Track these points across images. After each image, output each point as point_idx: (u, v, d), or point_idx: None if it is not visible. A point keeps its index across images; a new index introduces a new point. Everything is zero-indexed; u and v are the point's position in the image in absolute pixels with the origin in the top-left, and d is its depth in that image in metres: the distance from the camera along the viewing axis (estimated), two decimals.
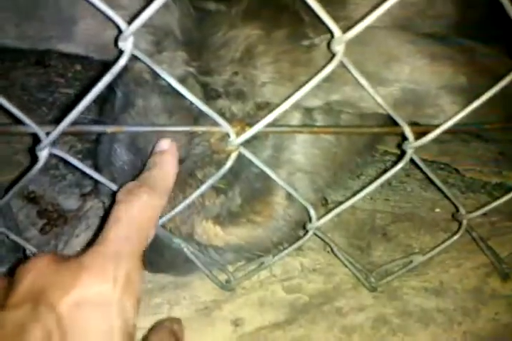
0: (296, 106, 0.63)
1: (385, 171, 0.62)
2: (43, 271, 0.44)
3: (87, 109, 0.48)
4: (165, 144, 0.57)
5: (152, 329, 0.64)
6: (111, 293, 0.42)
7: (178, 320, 0.67)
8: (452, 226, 0.88)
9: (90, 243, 0.49)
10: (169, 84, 0.50)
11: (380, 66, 0.60)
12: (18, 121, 0.49)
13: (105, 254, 0.44)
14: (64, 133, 0.49)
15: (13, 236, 0.65)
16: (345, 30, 0.47)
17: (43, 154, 0.50)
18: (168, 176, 0.55)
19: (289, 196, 0.68)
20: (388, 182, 0.99)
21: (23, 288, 0.43)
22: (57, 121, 0.48)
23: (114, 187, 0.58)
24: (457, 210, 0.71)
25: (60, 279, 0.42)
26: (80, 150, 0.95)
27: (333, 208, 0.65)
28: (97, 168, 0.72)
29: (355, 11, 0.66)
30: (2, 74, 1.13)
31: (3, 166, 0.89)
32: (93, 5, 0.44)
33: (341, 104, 0.64)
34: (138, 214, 0.49)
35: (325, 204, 0.90)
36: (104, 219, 0.52)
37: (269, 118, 0.52)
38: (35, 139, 0.50)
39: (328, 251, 0.82)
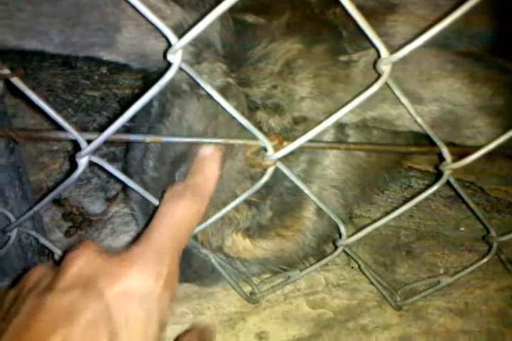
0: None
1: (410, 187, 0.62)
2: (93, 259, 0.46)
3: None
4: (208, 150, 0.58)
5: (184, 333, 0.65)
6: (154, 286, 0.45)
7: (210, 329, 0.68)
8: (477, 246, 0.88)
9: (135, 238, 0.50)
10: (209, 95, 0.50)
11: (420, 84, 0.60)
12: (57, 126, 0.49)
13: (150, 251, 0.47)
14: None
15: (42, 240, 0.65)
16: (391, 50, 0.47)
17: (82, 161, 0.50)
18: (210, 182, 0.56)
19: (318, 211, 0.68)
20: None
21: (73, 273, 0.45)
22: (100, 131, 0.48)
23: (147, 195, 0.58)
24: (488, 232, 0.71)
25: (109, 270, 0.45)
26: (106, 153, 0.96)
27: (361, 227, 0.64)
28: (125, 173, 0.72)
29: (393, 27, 0.65)
30: (29, 74, 1.14)
31: (28, 167, 0.89)
32: (144, 16, 0.44)
33: (377, 121, 0.63)
34: (181, 216, 0.51)
35: (349, 218, 0.90)
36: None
37: (310, 134, 0.52)
38: (75, 146, 0.50)
39: (353, 267, 0.82)
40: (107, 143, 0.96)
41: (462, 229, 0.93)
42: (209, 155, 0.57)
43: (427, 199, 0.97)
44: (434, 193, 0.97)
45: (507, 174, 1.05)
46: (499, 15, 0.76)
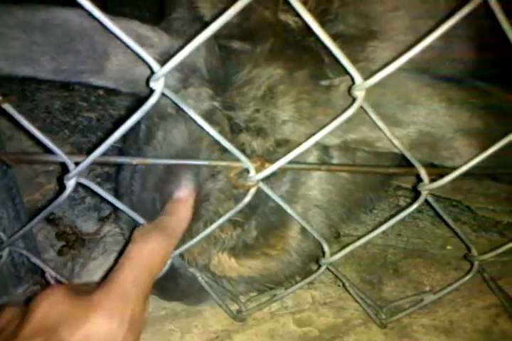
0: (314, 144, 0.65)
1: (398, 206, 0.63)
2: (57, 304, 0.47)
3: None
4: (183, 193, 0.61)
5: None
6: (117, 332, 0.45)
7: None
8: (463, 265, 0.89)
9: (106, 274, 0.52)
10: (194, 120, 0.52)
11: (398, 108, 0.62)
12: (45, 148, 0.51)
13: (115, 295, 0.48)
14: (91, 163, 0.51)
15: (34, 260, 0.67)
16: (366, 75, 0.49)
17: (70, 183, 0.52)
18: (182, 223, 0.59)
19: (303, 230, 0.69)
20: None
21: (36, 321, 0.45)
22: (81, 149, 0.50)
23: (134, 215, 0.60)
24: (469, 251, 0.72)
25: (71, 316, 0.45)
26: (100, 173, 0.98)
27: (345, 242, 0.66)
28: (116, 193, 0.74)
29: (374, 53, 0.68)
30: (28, 96, 1.17)
31: (24, 188, 0.91)
32: (127, 46, 0.46)
33: (358, 143, 0.65)
34: (149, 256, 0.53)
35: (337, 238, 0.91)
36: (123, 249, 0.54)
37: (290, 156, 0.54)
38: (63, 168, 0.52)
39: (339, 285, 0.83)
40: (100, 164, 0.98)
41: (449, 247, 0.94)
42: (183, 198, 0.60)
43: (414, 218, 1.00)
44: (421, 212, 1.02)
45: (494, 193, 1.06)
46: (480, 39, 0.78)
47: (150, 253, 0.53)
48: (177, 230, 0.58)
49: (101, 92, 1.21)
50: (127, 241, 0.56)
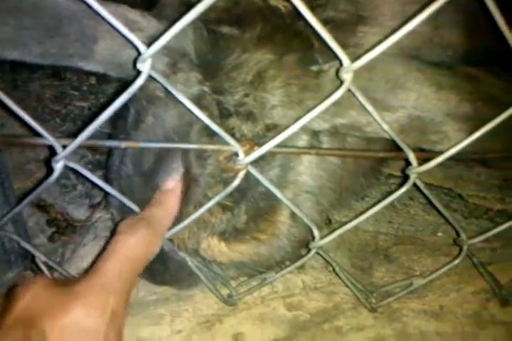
0: (303, 128, 0.65)
1: (389, 194, 0.63)
2: (38, 295, 0.47)
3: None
4: (170, 184, 0.61)
5: None
6: (98, 324, 0.45)
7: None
8: (454, 251, 0.89)
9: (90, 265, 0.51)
10: (182, 103, 0.52)
11: (387, 92, 0.62)
12: (35, 133, 0.51)
13: (97, 287, 0.47)
14: (79, 147, 0.51)
15: (23, 244, 0.67)
16: (353, 58, 0.49)
17: (58, 166, 0.52)
18: (169, 214, 0.59)
19: (293, 215, 0.70)
20: (392, 205, 1.00)
21: (17, 312, 0.46)
22: (73, 134, 0.50)
23: (124, 200, 0.60)
24: (458, 235, 0.73)
25: (53, 306, 0.45)
26: (91, 160, 0.98)
27: (336, 228, 0.66)
28: (107, 180, 0.74)
29: (364, 38, 0.68)
30: (19, 85, 1.17)
31: (15, 175, 0.91)
32: (114, 28, 0.46)
33: (347, 128, 0.65)
34: (134, 249, 0.52)
35: (328, 224, 0.92)
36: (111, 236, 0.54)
37: (278, 139, 0.54)
38: (52, 151, 0.52)
39: (330, 270, 0.83)
40: (93, 151, 0.98)
41: (440, 234, 0.95)
42: (171, 189, 0.59)
43: (406, 205, 1.00)
44: (412, 199, 1.02)
45: (485, 181, 1.07)
46: (468, 24, 0.78)
47: (135, 246, 0.52)
48: (164, 222, 0.58)
49: (93, 81, 1.21)
50: (112, 233, 0.55)
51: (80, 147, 0.52)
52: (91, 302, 0.46)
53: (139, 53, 0.46)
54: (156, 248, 0.56)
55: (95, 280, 0.48)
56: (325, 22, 0.57)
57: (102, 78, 1.21)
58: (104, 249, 0.52)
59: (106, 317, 0.46)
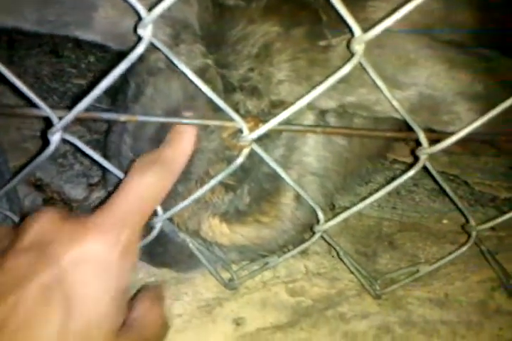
0: (310, 107, 0.63)
1: (394, 179, 0.61)
2: (51, 223, 0.45)
3: (100, 99, 0.48)
4: (184, 126, 0.57)
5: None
6: (111, 254, 0.44)
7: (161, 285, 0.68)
8: (459, 239, 0.88)
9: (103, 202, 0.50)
10: (186, 75, 0.49)
11: (398, 69, 0.60)
12: (32, 105, 0.49)
13: (111, 219, 0.46)
14: (76, 120, 0.49)
15: (18, 221, 0.65)
16: (365, 30, 0.47)
17: (54, 139, 0.50)
18: (183, 155, 0.55)
19: (297, 198, 0.68)
20: (396, 191, 0.98)
21: (30, 237, 0.45)
22: (71, 107, 0.48)
23: (122, 176, 0.57)
24: (467, 221, 0.71)
25: (67, 234, 0.44)
26: (89, 140, 0.95)
27: (340, 212, 0.64)
28: (106, 158, 0.72)
29: (374, 13, 0.65)
30: (16, 61, 1.14)
31: (11, 153, 0.89)
32: None
33: (356, 107, 0.63)
34: (147, 186, 0.51)
35: (332, 209, 0.90)
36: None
37: (284, 115, 0.52)
38: (48, 124, 0.50)
39: (333, 256, 0.81)
40: (91, 130, 0.96)
41: (445, 221, 0.93)
42: (186, 128, 0.57)
43: (410, 191, 0.98)
44: (417, 186, 1.00)
45: (492, 168, 1.05)
46: (481, 5, 0.76)
47: (148, 183, 0.51)
48: (177, 162, 0.55)
49: (91, 59, 1.18)
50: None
51: (78, 120, 0.50)
52: (105, 232, 0.45)
53: (140, 18, 0.44)
54: (168, 187, 0.53)
55: (109, 214, 0.47)
56: None
57: (101, 56, 1.18)
58: (116, 187, 0.51)
59: (119, 248, 0.45)
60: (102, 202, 0.50)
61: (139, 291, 0.56)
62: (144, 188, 0.50)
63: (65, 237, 0.44)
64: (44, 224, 0.45)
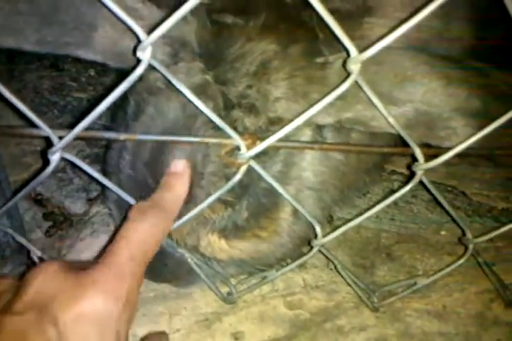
0: (307, 122, 0.64)
1: (392, 191, 0.62)
2: (50, 280, 0.45)
3: (100, 114, 0.48)
4: (179, 166, 0.58)
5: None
6: (111, 310, 0.44)
7: (166, 334, 0.68)
8: (457, 250, 0.88)
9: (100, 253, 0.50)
10: (184, 94, 0.50)
11: (394, 86, 0.60)
12: (32, 124, 0.49)
13: (110, 272, 0.47)
14: (76, 138, 0.49)
15: (19, 238, 0.65)
16: (361, 49, 0.47)
17: (54, 158, 0.50)
18: (179, 199, 0.57)
19: (295, 212, 0.68)
20: (394, 202, 0.98)
21: (29, 295, 0.44)
22: (70, 125, 0.48)
23: (122, 194, 0.58)
24: (464, 234, 0.71)
25: (66, 291, 0.44)
26: (89, 154, 0.96)
27: (339, 226, 0.65)
28: (105, 173, 0.72)
29: (371, 30, 0.66)
30: (16, 76, 1.14)
31: (11, 168, 0.89)
32: (114, 14, 0.44)
33: (352, 122, 0.63)
34: (145, 235, 0.51)
35: (330, 222, 0.90)
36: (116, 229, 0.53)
37: (281, 133, 0.52)
38: (48, 143, 0.50)
39: (332, 269, 0.82)
40: (91, 144, 0.96)
41: (443, 232, 0.93)
42: (180, 171, 0.58)
43: (408, 202, 0.99)
44: (415, 197, 1.00)
45: (489, 179, 1.05)
46: (478, 20, 0.77)
47: (146, 231, 0.51)
48: (174, 207, 0.56)
49: (91, 73, 1.19)
50: (123, 220, 0.54)
51: (78, 139, 0.50)
52: (105, 288, 0.45)
53: (139, 41, 0.45)
54: (166, 232, 0.55)
55: (108, 266, 0.47)
56: (331, 12, 0.55)
57: (101, 69, 1.19)
58: (114, 234, 0.52)
59: (120, 304, 0.45)
60: (104, 248, 0.51)
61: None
62: (141, 236, 0.51)
63: (65, 295, 0.44)
64: (44, 281, 0.45)
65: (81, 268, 0.48)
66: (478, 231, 0.74)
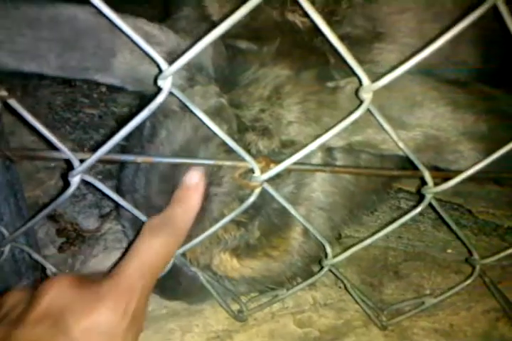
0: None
1: (399, 208, 0.63)
2: (64, 292, 0.47)
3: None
4: (193, 179, 0.59)
5: None
6: (120, 323, 0.46)
7: None
8: (463, 268, 0.89)
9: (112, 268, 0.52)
10: (199, 118, 0.51)
11: (404, 111, 0.62)
12: (48, 143, 0.51)
13: (121, 287, 0.48)
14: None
15: (35, 256, 0.67)
16: (373, 77, 0.49)
17: (74, 180, 0.52)
18: (190, 213, 0.58)
19: (305, 232, 0.69)
20: None
21: (42, 307, 0.46)
22: (91, 147, 0.50)
23: (137, 213, 0.59)
24: (471, 254, 0.72)
25: (78, 304, 0.46)
26: (101, 170, 0.98)
27: (348, 246, 0.66)
28: (118, 191, 0.74)
29: (380, 55, 0.67)
30: (30, 92, 1.17)
31: (25, 183, 0.91)
32: (135, 43, 0.46)
33: (363, 145, 0.65)
34: (157, 251, 0.53)
35: (338, 239, 0.91)
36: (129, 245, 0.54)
37: (296, 157, 0.54)
38: (68, 164, 0.52)
39: (340, 287, 0.83)
40: (105, 162, 0.98)
41: (449, 251, 0.94)
42: (193, 185, 0.59)
43: (415, 220, 1.00)
44: (422, 215, 1.01)
45: (495, 197, 1.06)
46: (485, 43, 0.78)
47: (158, 247, 0.53)
48: (185, 222, 0.57)
49: (103, 89, 1.21)
50: (136, 234, 0.56)
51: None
52: (115, 303, 0.47)
53: (160, 70, 0.46)
54: (177, 248, 0.57)
55: (119, 281, 0.49)
56: (341, 38, 0.56)
57: (113, 87, 1.21)
58: (127, 250, 0.53)
59: (128, 317, 0.47)
60: (116, 263, 0.52)
61: None
62: (153, 252, 0.53)
63: (77, 308, 0.46)
64: (57, 293, 0.47)
65: (92, 281, 0.49)
66: (484, 250, 0.75)
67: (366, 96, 0.50)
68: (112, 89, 1.21)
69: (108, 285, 0.48)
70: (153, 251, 0.53)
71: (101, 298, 0.47)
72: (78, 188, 0.91)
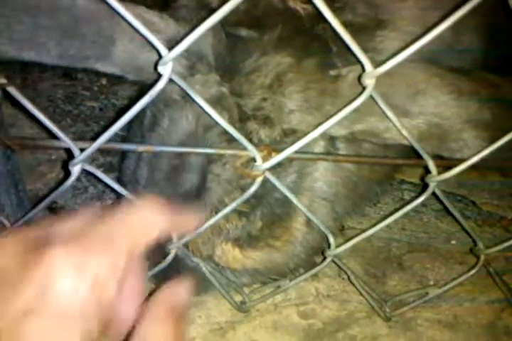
0: (321, 134, 0.65)
1: (402, 200, 0.62)
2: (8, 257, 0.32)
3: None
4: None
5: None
6: (70, 296, 0.31)
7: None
8: (467, 259, 0.88)
9: None
10: (199, 106, 0.51)
11: (407, 99, 0.61)
12: (49, 134, 0.50)
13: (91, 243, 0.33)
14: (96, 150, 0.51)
15: None
16: (375, 64, 0.48)
17: (75, 170, 0.51)
18: None
19: (308, 222, 0.69)
20: None
21: None
22: (90, 137, 0.49)
23: None
24: (475, 244, 0.72)
25: (20, 273, 0.31)
26: (102, 163, 0.97)
27: (352, 237, 0.65)
28: (120, 182, 0.73)
29: (383, 43, 0.67)
30: (30, 85, 1.16)
31: (26, 176, 0.90)
32: (135, 29, 0.46)
33: (365, 134, 0.64)
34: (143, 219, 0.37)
35: (341, 230, 0.91)
36: None
37: (297, 145, 0.53)
38: (69, 154, 0.51)
39: (343, 278, 0.82)
40: (104, 153, 0.97)
41: (453, 242, 0.94)
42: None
43: (418, 212, 0.99)
44: (425, 206, 1.01)
45: (499, 189, 1.06)
46: (488, 31, 0.77)
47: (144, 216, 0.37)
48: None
49: (104, 82, 1.20)
50: None
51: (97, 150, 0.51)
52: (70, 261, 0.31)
53: (160, 56, 0.46)
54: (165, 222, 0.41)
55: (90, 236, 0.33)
56: (343, 25, 0.56)
57: (113, 78, 1.20)
58: None
59: (83, 285, 0.31)
60: None
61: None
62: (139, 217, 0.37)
63: (17, 277, 0.31)
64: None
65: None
66: (488, 241, 0.74)
67: (369, 82, 0.49)
68: (112, 81, 1.20)
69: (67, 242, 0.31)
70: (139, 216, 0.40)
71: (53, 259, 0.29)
72: (80, 180, 0.93)
